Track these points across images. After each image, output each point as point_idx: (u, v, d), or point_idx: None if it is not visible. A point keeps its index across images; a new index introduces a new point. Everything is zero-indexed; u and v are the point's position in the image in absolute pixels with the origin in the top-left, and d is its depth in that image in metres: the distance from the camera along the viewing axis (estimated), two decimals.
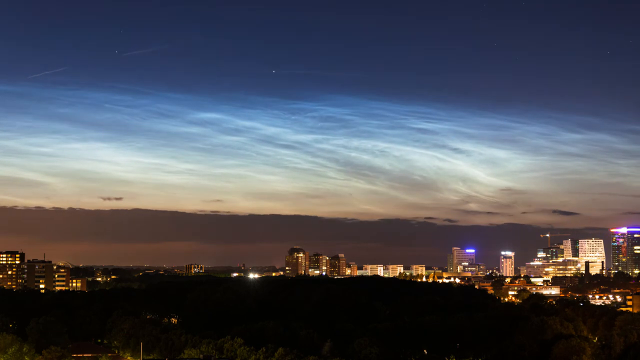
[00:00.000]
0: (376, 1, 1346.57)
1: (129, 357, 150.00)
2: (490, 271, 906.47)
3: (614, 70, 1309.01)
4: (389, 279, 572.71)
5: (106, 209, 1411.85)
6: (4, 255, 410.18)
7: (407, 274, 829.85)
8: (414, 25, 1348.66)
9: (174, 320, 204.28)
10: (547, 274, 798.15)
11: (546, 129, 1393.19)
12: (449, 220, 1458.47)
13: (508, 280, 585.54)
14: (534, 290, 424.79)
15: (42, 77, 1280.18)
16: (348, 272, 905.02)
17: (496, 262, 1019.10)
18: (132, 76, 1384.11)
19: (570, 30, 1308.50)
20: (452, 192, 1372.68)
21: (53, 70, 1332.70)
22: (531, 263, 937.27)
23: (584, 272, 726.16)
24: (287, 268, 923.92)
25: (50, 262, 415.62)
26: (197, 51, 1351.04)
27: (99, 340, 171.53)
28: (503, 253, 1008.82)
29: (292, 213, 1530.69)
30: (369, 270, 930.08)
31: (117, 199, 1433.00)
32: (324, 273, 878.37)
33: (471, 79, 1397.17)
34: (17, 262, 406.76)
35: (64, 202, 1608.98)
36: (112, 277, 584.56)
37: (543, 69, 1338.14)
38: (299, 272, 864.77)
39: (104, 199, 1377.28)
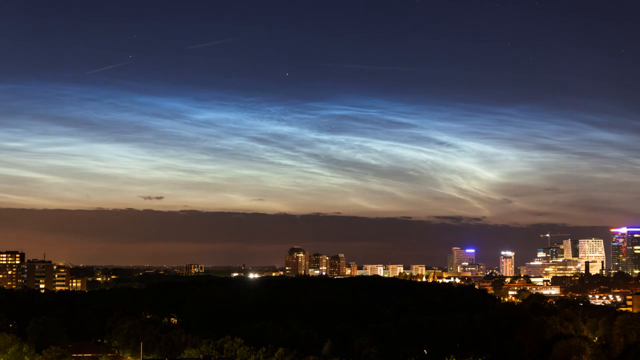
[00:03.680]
0: None
1: (129, 357, 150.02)
2: (490, 271, 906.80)
3: (623, 68, 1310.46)
4: (389, 279, 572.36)
5: (106, 208, 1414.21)
6: (4, 255, 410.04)
7: (407, 274, 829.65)
8: (395, 21, 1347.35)
9: (174, 320, 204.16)
10: (547, 274, 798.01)
11: (549, 127, 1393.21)
12: (449, 220, 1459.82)
13: (508, 280, 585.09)
14: (534, 290, 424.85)
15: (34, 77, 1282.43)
16: (348, 272, 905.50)
17: (496, 262, 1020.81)
18: (139, 77, 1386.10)
19: (579, 27, 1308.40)
20: (450, 191, 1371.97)
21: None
22: (531, 263, 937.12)
23: (584, 272, 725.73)
24: (287, 268, 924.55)
25: (50, 262, 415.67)
26: (199, 53, 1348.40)
27: (99, 340, 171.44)
28: (503, 253, 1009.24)
29: (292, 212, 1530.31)
30: (369, 270, 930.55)
31: (119, 198, 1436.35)
32: (324, 273, 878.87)
33: (472, 74, 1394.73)
34: (17, 262, 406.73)
35: (65, 202, 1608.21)
36: (112, 277, 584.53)
37: (544, 66, 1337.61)
38: (299, 272, 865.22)
39: (121, 198, 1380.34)
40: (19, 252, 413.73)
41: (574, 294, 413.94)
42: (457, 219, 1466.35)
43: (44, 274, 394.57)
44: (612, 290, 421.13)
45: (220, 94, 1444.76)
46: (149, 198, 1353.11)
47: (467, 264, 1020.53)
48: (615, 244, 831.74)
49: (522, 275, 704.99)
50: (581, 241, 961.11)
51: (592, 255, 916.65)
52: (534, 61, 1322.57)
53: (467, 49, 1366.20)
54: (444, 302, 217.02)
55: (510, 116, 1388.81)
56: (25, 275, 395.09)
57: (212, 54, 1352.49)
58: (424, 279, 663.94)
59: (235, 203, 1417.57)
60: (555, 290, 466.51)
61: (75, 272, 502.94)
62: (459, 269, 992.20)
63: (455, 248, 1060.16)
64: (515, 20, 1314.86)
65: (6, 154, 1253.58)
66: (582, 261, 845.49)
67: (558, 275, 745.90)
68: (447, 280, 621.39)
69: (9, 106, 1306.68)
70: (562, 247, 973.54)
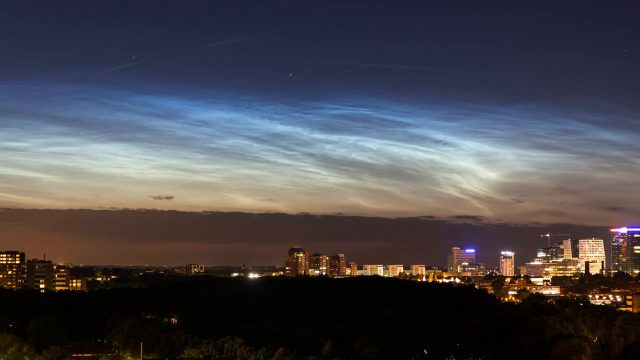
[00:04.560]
0: None
1: (129, 357, 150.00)
2: (490, 271, 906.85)
3: (623, 68, 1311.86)
4: (389, 279, 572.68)
5: (106, 209, 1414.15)
6: (4, 255, 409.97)
7: (407, 274, 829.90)
8: (391, 20, 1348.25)
9: (174, 320, 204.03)
10: (547, 274, 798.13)
11: (548, 126, 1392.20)
12: (450, 219, 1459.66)
13: (508, 280, 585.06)
14: (534, 290, 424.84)
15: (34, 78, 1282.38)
16: (348, 272, 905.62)
17: (496, 262, 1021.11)
18: (137, 77, 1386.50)
19: (579, 27, 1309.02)
20: (450, 190, 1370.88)
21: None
22: (531, 263, 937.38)
23: (584, 272, 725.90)
24: (287, 268, 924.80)
25: (50, 262, 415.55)
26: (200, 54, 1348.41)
27: (99, 340, 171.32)
28: (503, 253, 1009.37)
29: (292, 212, 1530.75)
30: (369, 270, 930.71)
31: (119, 198, 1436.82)
32: (324, 273, 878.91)
33: (472, 74, 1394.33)
34: (17, 262, 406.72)
35: (65, 202, 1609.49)
36: (112, 277, 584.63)
37: (545, 65, 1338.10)
38: (299, 272, 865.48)
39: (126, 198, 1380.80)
40: (19, 252, 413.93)
41: (574, 294, 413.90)
42: (458, 218, 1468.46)
43: (44, 274, 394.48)
44: (612, 290, 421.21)
45: (215, 93, 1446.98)
46: (148, 198, 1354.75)
47: (467, 264, 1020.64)
48: (615, 244, 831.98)
49: (522, 275, 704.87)
50: (581, 241, 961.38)
51: (592, 255, 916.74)
52: (535, 61, 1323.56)
53: (468, 49, 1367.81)
54: (444, 302, 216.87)
55: (508, 115, 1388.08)
56: (25, 275, 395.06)
57: (210, 55, 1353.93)
58: (424, 279, 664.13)
59: (234, 203, 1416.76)
60: (555, 290, 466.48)
61: (75, 272, 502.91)
62: (459, 269, 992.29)
63: (455, 248, 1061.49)
64: (517, 20, 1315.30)
65: (4, 153, 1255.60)
66: (582, 261, 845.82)
67: (558, 275, 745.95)
68: (447, 280, 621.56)
69: (7, 106, 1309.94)
70: (562, 247, 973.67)
